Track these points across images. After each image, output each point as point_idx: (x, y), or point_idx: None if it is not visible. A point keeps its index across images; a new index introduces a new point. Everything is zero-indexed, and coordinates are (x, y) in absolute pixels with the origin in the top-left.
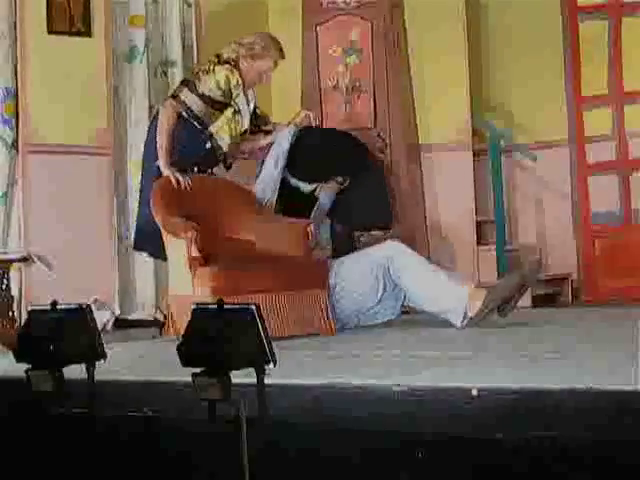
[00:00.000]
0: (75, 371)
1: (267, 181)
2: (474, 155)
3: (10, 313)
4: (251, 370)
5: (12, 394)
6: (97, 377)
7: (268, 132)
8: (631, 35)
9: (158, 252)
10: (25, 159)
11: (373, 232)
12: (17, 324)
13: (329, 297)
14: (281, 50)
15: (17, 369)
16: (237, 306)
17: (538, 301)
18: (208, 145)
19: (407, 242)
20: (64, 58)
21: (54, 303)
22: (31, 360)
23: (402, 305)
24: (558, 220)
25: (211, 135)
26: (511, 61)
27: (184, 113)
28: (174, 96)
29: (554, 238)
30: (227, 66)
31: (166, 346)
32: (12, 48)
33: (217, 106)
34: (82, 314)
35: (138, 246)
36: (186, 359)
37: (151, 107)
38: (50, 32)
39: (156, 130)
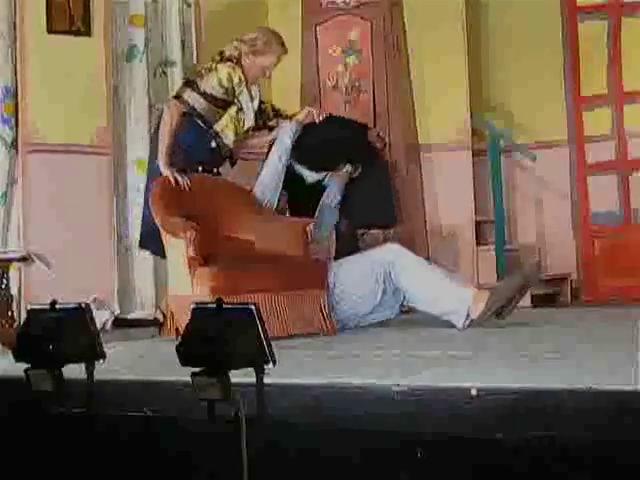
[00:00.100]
0: (75, 371)
1: (267, 182)
2: (474, 155)
3: (9, 312)
4: (250, 370)
5: (11, 394)
6: (96, 377)
7: (272, 128)
8: (631, 35)
9: (160, 251)
10: (25, 158)
11: (373, 231)
12: (16, 323)
13: (328, 297)
14: (283, 45)
15: (16, 368)
16: (236, 306)
17: (538, 301)
18: (213, 144)
19: (406, 242)
20: (64, 58)
21: (53, 302)
22: (30, 359)
23: (401, 305)
24: (558, 220)
25: (216, 134)
26: (511, 61)
27: (188, 112)
28: (177, 96)
29: (554, 238)
30: (229, 63)
31: (165, 346)
32: (12, 47)
33: (220, 104)
34: (81, 313)
35: (143, 245)
36: (185, 359)
37: (151, 107)
38: (50, 32)
39: (179, 132)
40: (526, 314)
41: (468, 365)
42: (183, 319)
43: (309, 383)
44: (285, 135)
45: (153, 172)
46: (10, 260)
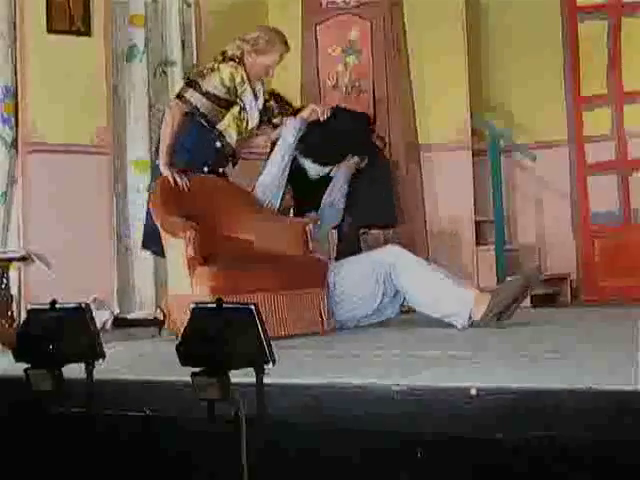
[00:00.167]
0: (74, 370)
1: (269, 181)
2: (474, 155)
3: (9, 312)
4: (250, 370)
5: (11, 393)
6: (96, 376)
7: (277, 125)
8: (631, 35)
9: (161, 251)
10: (25, 158)
11: (373, 231)
12: (16, 323)
13: (328, 297)
14: (285, 43)
15: (16, 368)
16: (236, 306)
17: (538, 301)
18: (218, 144)
19: (406, 241)
20: (64, 57)
21: (53, 302)
22: (30, 359)
23: (401, 305)
24: (557, 220)
25: (220, 133)
26: (511, 61)
27: (190, 112)
28: (179, 96)
29: (553, 238)
30: (231, 63)
31: (165, 345)
32: (12, 47)
33: (223, 104)
34: (81, 313)
35: (145, 245)
36: (185, 358)
37: (151, 107)
38: (50, 31)
39: (182, 132)
40: (526, 314)
41: (468, 365)
42: (183, 319)
43: (309, 383)
44: (288, 133)
45: (158, 172)
46: (10, 260)
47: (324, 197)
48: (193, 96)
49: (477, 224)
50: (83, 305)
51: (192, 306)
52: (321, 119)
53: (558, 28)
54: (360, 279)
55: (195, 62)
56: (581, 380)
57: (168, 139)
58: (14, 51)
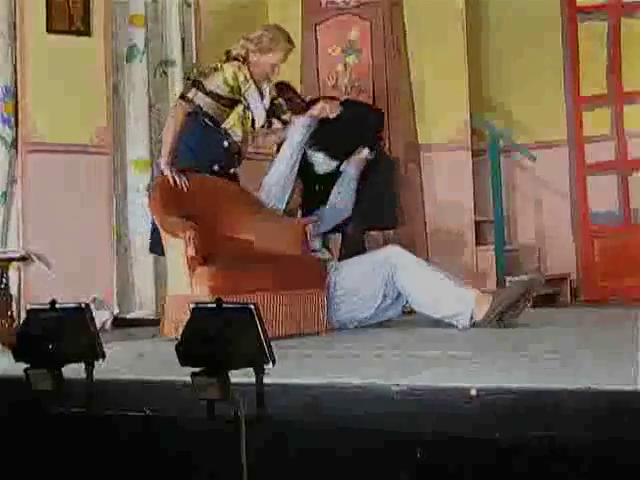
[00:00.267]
0: (74, 370)
1: (275, 180)
2: (473, 155)
3: (9, 312)
4: (250, 369)
5: (11, 393)
6: (96, 376)
7: (286, 122)
8: (630, 35)
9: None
10: (24, 158)
11: (372, 232)
12: (16, 323)
13: (328, 297)
14: (290, 41)
15: (16, 368)
16: (236, 306)
17: (537, 301)
18: (225, 144)
19: (406, 242)
20: (64, 57)
21: (53, 302)
22: (30, 359)
23: (403, 306)
24: (557, 220)
25: (225, 132)
26: (511, 61)
27: (194, 112)
28: (182, 96)
29: (553, 238)
30: (234, 62)
31: (165, 345)
32: (12, 47)
33: (227, 103)
34: (81, 313)
35: (152, 249)
36: (185, 358)
37: (151, 107)
38: (50, 31)
39: (189, 130)
40: (526, 314)
41: (468, 365)
42: (182, 319)
43: (309, 383)
44: (297, 132)
45: (157, 172)
46: (10, 260)
47: (332, 194)
48: (196, 96)
49: (477, 224)
50: (83, 305)
51: (192, 306)
52: (330, 117)
53: (558, 28)
54: (361, 280)
55: (195, 62)
56: (581, 380)
57: (170, 139)
58: (14, 51)
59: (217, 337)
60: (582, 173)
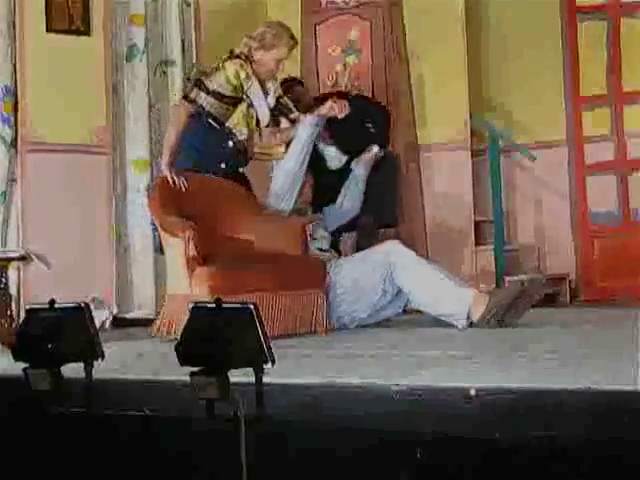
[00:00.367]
0: (73, 370)
1: (278, 186)
2: (473, 155)
3: (8, 312)
4: (250, 369)
5: (10, 393)
6: (95, 376)
7: (294, 121)
8: (630, 35)
9: None
10: (24, 157)
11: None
12: (15, 323)
13: (328, 297)
14: (293, 37)
15: (15, 368)
16: (235, 305)
17: (537, 301)
18: (230, 143)
19: (405, 242)
20: (63, 57)
21: (52, 302)
22: (29, 359)
23: (405, 304)
24: (557, 220)
25: (230, 131)
26: (510, 61)
27: (197, 112)
28: (185, 96)
29: (553, 238)
30: (236, 61)
31: (164, 345)
32: (11, 47)
33: (229, 101)
34: (80, 313)
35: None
36: (184, 358)
37: (151, 106)
38: (49, 31)
39: (192, 129)
40: (525, 314)
41: (468, 365)
42: (182, 319)
43: (308, 383)
44: (305, 131)
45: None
46: (9, 259)
47: (340, 193)
48: (199, 96)
49: (477, 224)
50: (82, 305)
51: (191, 306)
52: (339, 117)
53: (558, 28)
54: (361, 278)
55: (195, 61)
56: (580, 380)
57: (172, 139)
58: (13, 50)
59: (216, 337)
60: (582, 173)
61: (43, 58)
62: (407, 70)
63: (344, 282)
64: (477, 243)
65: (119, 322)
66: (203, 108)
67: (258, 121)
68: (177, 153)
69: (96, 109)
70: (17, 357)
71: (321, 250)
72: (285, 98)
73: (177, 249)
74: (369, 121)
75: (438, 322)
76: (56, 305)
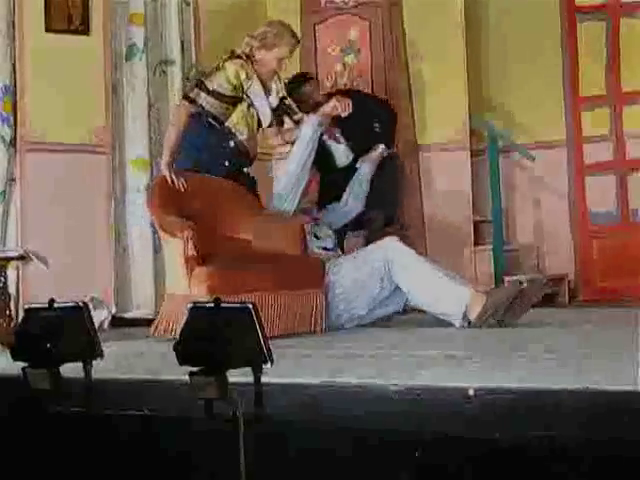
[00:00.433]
0: (72, 370)
1: (281, 187)
2: (472, 155)
3: (7, 311)
4: (248, 369)
5: (9, 392)
6: (94, 375)
7: (298, 122)
8: (630, 35)
9: None
10: (23, 157)
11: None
12: (14, 322)
13: (326, 297)
14: (294, 35)
15: (14, 367)
16: (234, 305)
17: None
18: (232, 143)
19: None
20: (62, 56)
21: (51, 301)
22: (28, 358)
23: (405, 302)
24: (556, 220)
25: (230, 131)
26: (509, 61)
27: (197, 112)
28: (185, 96)
29: (552, 238)
30: (236, 60)
31: (163, 345)
32: (10, 46)
33: (229, 101)
34: (79, 312)
35: None
36: (183, 358)
37: (150, 106)
38: (48, 30)
39: (194, 129)
40: (525, 314)
41: (467, 365)
42: (180, 318)
43: (307, 382)
44: (308, 131)
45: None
46: (8, 259)
47: (345, 192)
48: (199, 96)
49: (476, 224)
50: (81, 304)
51: (190, 305)
52: (343, 115)
53: (557, 28)
54: (360, 277)
55: (194, 61)
56: (580, 380)
57: (173, 139)
58: (13, 50)
59: (215, 337)
60: (581, 173)
61: (42, 58)
62: (406, 70)
63: (344, 281)
64: (476, 243)
65: (118, 322)
66: (203, 108)
67: (260, 121)
68: (177, 153)
69: (95, 109)
70: (16, 357)
71: (325, 249)
72: (289, 99)
73: (176, 249)
74: (376, 120)
75: (438, 322)
76: (55, 305)
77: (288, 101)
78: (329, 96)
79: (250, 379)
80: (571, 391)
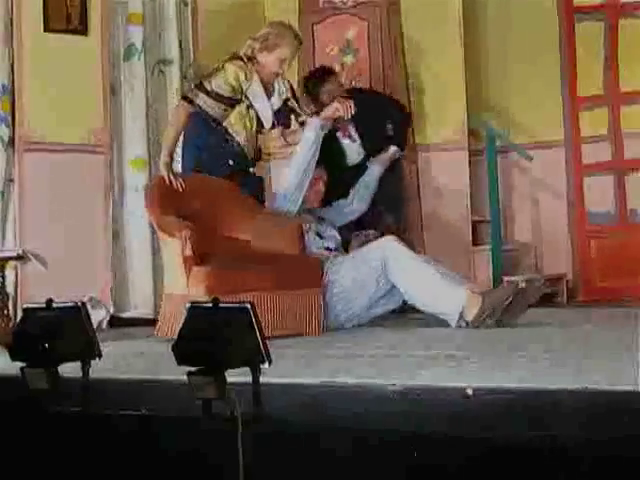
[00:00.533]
0: (71, 369)
1: (282, 190)
2: (471, 155)
3: (6, 311)
4: (247, 369)
5: (8, 392)
6: (92, 375)
7: (303, 124)
8: (628, 36)
9: None
10: (21, 157)
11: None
12: (12, 322)
13: (324, 297)
14: (297, 36)
15: (13, 367)
16: (233, 305)
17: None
18: (232, 144)
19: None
20: (61, 56)
21: (49, 301)
22: (26, 358)
23: (404, 300)
24: (554, 220)
25: (225, 130)
26: (508, 61)
27: (196, 113)
28: (184, 97)
29: (550, 238)
30: (236, 62)
31: (162, 345)
32: (9, 46)
33: (227, 102)
34: (77, 312)
35: None
36: (181, 358)
37: (149, 105)
38: (47, 30)
39: (195, 129)
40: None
41: (466, 365)
42: (178, 318)
43: (306, 382)
44: (310, 133)
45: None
46: (6, 259)
47: (352, 191)
48: (198, 96)
49: (474, 224)
50: (79, 304)
51: (188, 305)
52: (345, 118)
53: (555, 28)
54: (359, 276)
55: (192, 61)
56: (579, 380)
57: (170, 139)
58: (11, 50)
59: (214, 337)
60: (579, 173)
61: (41, 57)
62: (404, 70)
63: (342, 281)
64: (474, 243)
65: (116, 322)
66: (201, 108)
67: (261, 123)
68: (175, 153)
69: (94, 108)
70: (14, 356)
71: (327, 249)
72: (293, 100)
73: (174, 249)
74: (389, 121)
75: (438, 322)
76: (53, 304)
77: (292, 102)
78: (348, 93)
79: (249, 379)
80: (570, 391)
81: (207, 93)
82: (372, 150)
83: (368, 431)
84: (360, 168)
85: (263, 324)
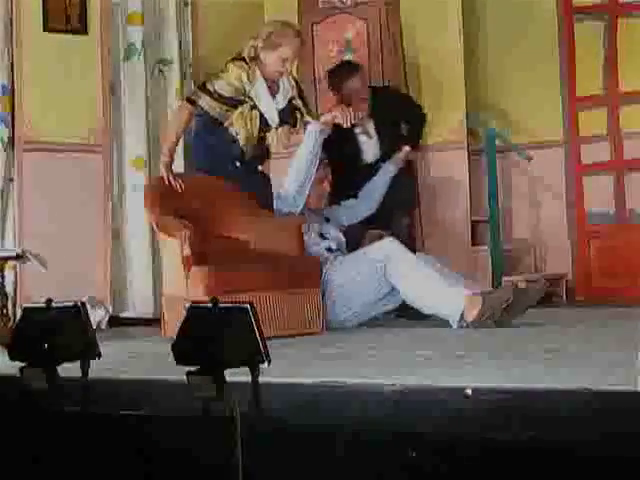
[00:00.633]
0: (70, 369)
1: (288, 186)
2: (470, 155)
3: (5, 311)
4: (246, 368)
5: (7, 392)
6: (92, 375)
7: (306, 124)
8: (627, 36)
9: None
10: (21, 157)
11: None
12: (12, 322)
13: (324, 296)
14: (299, 35)
15: (12, 367)
16: (232, 305)
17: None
18: (235, 144)
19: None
20: (60, 56)
21: (49, 301)
22: (26, 358)
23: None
24: (553, 220)
25: (226, 130)
26: (507, 61)
27: (198, 113)
28: (187, 98)
29: (549, 238)
30: (239, 63)
31: (161, 344)
32: (8, 46)
33: (230, 103)
34: (77, 312)
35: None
36: (180, 357)
37: (148, 105)
38: (46, 30)
39: (200, 131)
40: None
41: (464, 365)
42: (178, 318)
43: (305, 382)
44: (309, 138)
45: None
46: (5, 258)
47: (363, 190)
48: (200, 97)
49: (473, 224)
50: (78, 304)
51: (188, 305)
52: (344, 126)
53: (555, 28)
54: (358, 277)
55: (192, 61)
56: (578, 380)
57: (171, 140)
58: (11, 50)
59: (213, 336)
60: (578, 173)
61: (41, 57)
62: (404, 70)
63: (342, 281)
64: (474, 243)
65: (115, 321)
66: (202, 109)
67: (265, 122)
68: (175, 153)
69: (93, 108)
70: (13, 356)
71: (329, 250)
72: (298, 99)
73: (173, 249)
74: (405, 121)
75: (436, 322)
76: (53, 304)
77: (296, 101)
78: (373, 90)
79: (248, 379)
80: (570, 391)
81: (210, 94)
82: (387, 149)
83: (367, 431)
84: (373, 168)
85: (262, 324)
